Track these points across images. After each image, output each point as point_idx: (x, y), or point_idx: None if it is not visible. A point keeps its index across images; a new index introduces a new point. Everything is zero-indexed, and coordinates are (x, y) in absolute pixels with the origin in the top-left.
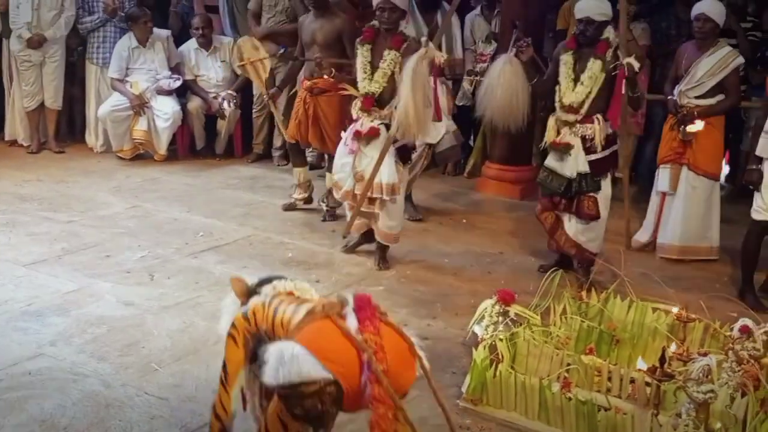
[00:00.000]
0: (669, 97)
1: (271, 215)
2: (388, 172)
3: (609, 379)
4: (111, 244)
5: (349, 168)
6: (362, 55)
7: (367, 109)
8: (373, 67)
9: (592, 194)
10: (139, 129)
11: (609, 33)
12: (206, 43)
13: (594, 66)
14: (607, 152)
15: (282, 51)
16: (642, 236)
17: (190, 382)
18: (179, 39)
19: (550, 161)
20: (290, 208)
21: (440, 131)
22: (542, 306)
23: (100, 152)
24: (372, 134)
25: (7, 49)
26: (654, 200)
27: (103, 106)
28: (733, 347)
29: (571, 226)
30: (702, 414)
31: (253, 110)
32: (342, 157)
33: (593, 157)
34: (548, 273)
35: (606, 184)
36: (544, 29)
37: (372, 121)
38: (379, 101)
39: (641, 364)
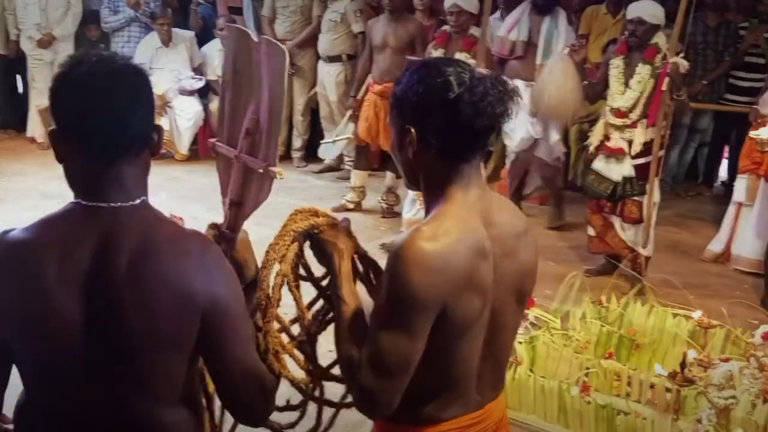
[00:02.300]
0: (753, 107)
1: None
2: None
3: (628, 383)
4: None
5: None
6: None
7: None
8: None
9: (636, 198)
10: None
11: (659, 38)
12: None
13: (642, 70)
14: (652, 157)
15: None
16: (715, 246)
17: None
18: (200, 39)
19: (597, 164)
20: (340, 209)
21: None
22: (562, 310)
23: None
24: None
25: None
26: (730, 210)
27: None
28: (755, 354)
29: (620, 228)
30: (723, 420)
31: None
32: None
33: (639, 161)
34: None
35: (655, 190)
36: None
37: None
38: None
39: (659, 370)
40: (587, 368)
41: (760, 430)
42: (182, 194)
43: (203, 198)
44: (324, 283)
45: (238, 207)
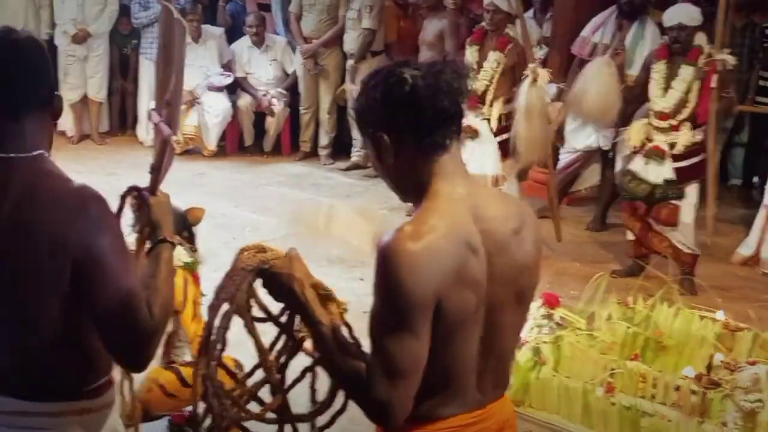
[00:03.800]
0: None
1: None
2: (493, 164)
3: (654, 385)
4: None
5: None
6: (470, 54)
7: (471, 106)
8: (480, 66)
9: (674, 202)
10: (189, 124)
11: (701, 40)
12: (259, 42)
13: (685, 72)
14: (695, 160)
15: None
16: (744, 250)
17: None
18: (230, 36)
19: (635, 165)
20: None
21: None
22: (588, 311)
23: (150, 146)
24: (472, 131)
25: None
26: (761, 214)
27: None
28: None
29: (661, 228)
30: (749, 423)
31: (300, 109)
32: None
33: (680, 164)
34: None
35: (692, 192)
36: None
37: (475, 116)
38: (482, 99)
39: (688, 372)
40: (612, 369)
41: None
42: (210, 190)
43: (231, 193)
44: (283, 319)
45: (158, 172)
